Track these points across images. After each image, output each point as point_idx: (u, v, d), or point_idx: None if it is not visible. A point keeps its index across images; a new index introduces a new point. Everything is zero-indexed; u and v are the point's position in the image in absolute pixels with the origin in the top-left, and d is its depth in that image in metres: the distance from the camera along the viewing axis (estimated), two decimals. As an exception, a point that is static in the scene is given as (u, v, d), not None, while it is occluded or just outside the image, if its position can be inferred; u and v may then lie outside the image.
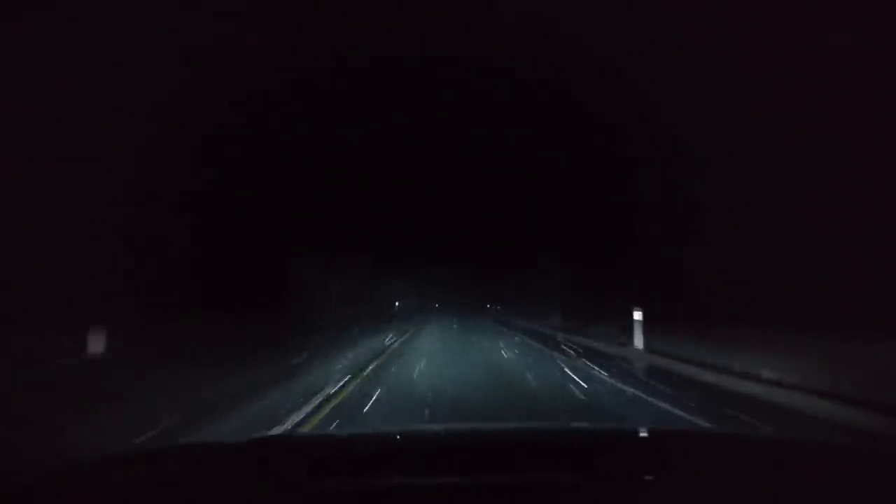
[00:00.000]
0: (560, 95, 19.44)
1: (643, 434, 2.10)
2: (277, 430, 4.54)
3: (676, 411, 5.69)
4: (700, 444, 1.81)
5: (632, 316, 11.86)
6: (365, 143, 26.83)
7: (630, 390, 6.94)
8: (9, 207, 10.18)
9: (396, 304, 46.80)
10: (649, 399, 6.34)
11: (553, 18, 15.14)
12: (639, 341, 11.69)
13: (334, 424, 4.87)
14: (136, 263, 13.13)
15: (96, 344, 10.12)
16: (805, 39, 10.26)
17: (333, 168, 28.10)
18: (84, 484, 1.28)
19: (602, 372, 8.57)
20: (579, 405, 5.92)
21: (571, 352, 12.12)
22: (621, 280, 16.91)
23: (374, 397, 6.12)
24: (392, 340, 14.86)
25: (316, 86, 19.72)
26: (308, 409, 5.40)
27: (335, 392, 6.39)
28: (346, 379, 7.33)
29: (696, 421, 5.33)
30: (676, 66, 13.24)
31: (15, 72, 10.69)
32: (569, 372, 8.53)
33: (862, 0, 9.86)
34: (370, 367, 8.83)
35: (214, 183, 17.03)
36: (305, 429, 4.70)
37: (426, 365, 9.34)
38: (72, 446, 4.02)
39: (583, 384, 7.29)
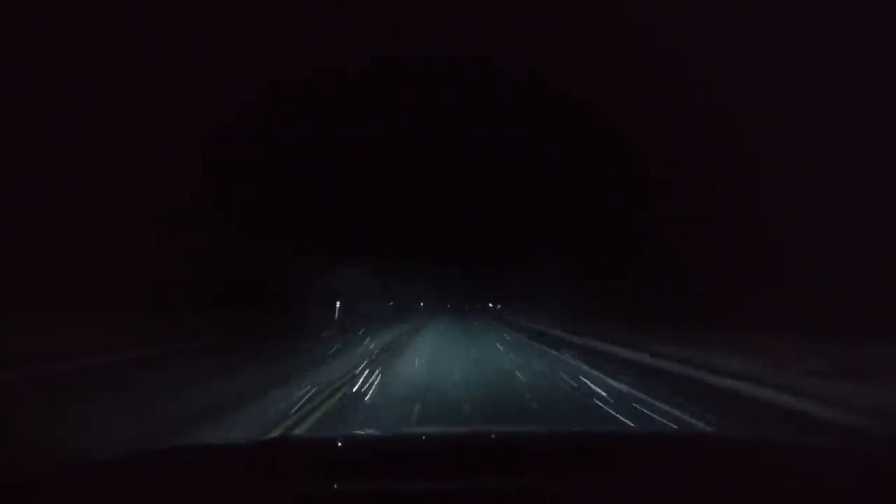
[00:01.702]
0: (560, 95, 19.45)
1: (645, 437, 2.14)
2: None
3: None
4: (702, 448, 1.83)
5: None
6: (363, 143, 26.78)
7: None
8: (10, 208, 10.21)
9: (337, 304, 30.20)
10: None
11: (555, 18, 15.12)
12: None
13: None
14: (138, 263, 13.15)
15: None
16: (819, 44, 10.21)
17: (332, 168, 27.98)
18: (88, 484, 1.30)
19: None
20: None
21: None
22: (616, 280, 17.06)
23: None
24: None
25: (316, 86, 19.72)
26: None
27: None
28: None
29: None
30: (682, 67, 13.19)
31: (16, 72, 10.69)
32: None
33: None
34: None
35: (214, 181, 17.07)
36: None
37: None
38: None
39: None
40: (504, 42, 17.56)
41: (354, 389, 6.51)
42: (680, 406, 5.72)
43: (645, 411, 5.49)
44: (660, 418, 5.21)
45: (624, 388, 7.05)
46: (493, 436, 2.04)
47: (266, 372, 7.79)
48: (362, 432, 3.68)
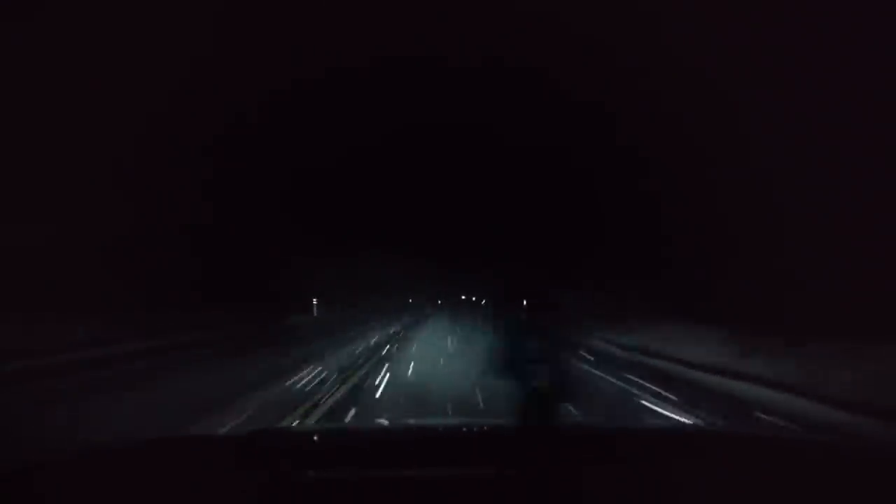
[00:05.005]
0: (559, 92, 19.43)
1: (646, 432, 2.12)
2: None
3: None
4: (703, 442, 1.81)
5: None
6: (361, 142, 26.90)
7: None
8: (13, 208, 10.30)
9: None
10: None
11: (559, 15, 15.03)
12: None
13: None
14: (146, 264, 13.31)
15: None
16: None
17: (331, 168, 28.11)
18: (78, 474, 1.30)
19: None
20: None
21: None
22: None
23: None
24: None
25: (316, 86, 19.81)
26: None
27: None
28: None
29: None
30: (687, 65, 13.03)
31: (23, 76, 10.76)
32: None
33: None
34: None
35: (218, 182, 17.22)
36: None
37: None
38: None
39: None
40: (505, 40, 17.51)
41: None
42: None
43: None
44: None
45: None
46: (486, 428, 2.05)
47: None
48: (347, 425, 3.68)
